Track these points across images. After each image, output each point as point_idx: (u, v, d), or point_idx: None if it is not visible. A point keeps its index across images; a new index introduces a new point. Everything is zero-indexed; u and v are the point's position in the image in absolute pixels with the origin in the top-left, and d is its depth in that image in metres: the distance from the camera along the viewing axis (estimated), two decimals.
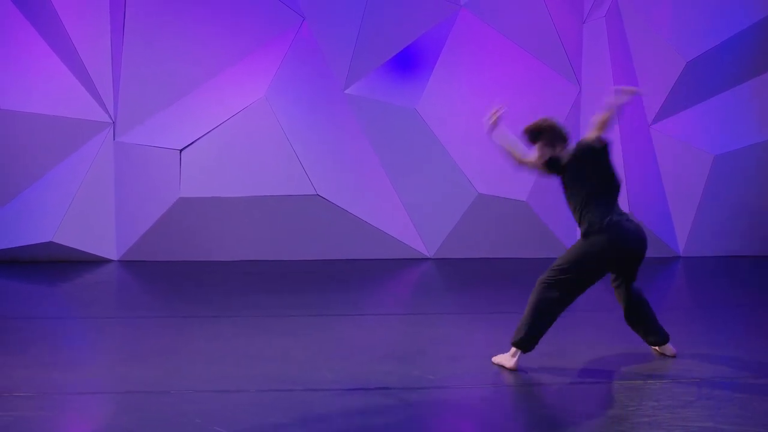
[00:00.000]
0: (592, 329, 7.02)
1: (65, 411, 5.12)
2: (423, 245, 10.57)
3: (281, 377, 5.62)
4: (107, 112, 9.98)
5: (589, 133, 5.80)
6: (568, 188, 5.90)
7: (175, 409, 5.01)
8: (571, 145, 5.95)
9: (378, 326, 7.44)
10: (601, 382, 5.64)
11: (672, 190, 10.89)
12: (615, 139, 10.80)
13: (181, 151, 10.07)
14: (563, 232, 10.60)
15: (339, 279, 9.50)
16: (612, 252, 5.77)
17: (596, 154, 5.77)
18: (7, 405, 5.07)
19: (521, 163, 6.02)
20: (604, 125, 5.75)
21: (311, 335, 6.86)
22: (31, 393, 5.32)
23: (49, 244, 9.93)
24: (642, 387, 5.53)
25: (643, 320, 6.14)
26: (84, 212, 9.99)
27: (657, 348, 6.23)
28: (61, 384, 5.54)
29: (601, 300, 7.45)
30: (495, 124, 6.03)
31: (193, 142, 10.09)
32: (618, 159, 10.79)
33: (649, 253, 10.72)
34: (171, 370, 5.79)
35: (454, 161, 10.43)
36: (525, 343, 5.81)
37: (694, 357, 6.23)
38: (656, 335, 6.17)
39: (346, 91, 10.25)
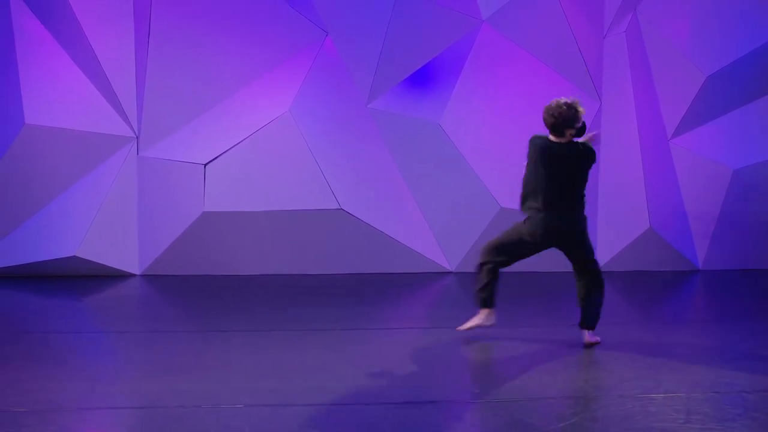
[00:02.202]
0: (625, 342, 7.04)
1: (113, 426, 5.12)
2: (445, 259, 10.58)
3: (329, 391, 5.62)
4: (131, 126, 10.00)
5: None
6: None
7: (227, 424, 5.01)
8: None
9: (411, 340, 7.45)
10: (644, 395, 5.65)
11: (691, 203, 10.91)
12: (635, 154, 10.86)
13: (205, 165, 10.08)
14: None
15: (364, 293, 9.51)
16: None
17: None
18: (57, 419, 5.07)
19: None
20: None
21: (349, 349, 6.87)
22: (78, 407, 5.32)
23: (73, 259, 9.92)
24: (686, 399, 5.55)
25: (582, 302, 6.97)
26: (107, 227, 9.99)
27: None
28: (105, 399, 5.54)
29: (630, 314, 7.48)
30: None
31: (217, 157, 10.10)
32: (638, 173, 10.84)
33: (669, 266, 10.97)
34: (215, 384, 5.78)
35: (476, 175, 10.45)
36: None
37: (728, 368, 6.25)
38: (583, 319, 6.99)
39: (369, 106, 10.28)
